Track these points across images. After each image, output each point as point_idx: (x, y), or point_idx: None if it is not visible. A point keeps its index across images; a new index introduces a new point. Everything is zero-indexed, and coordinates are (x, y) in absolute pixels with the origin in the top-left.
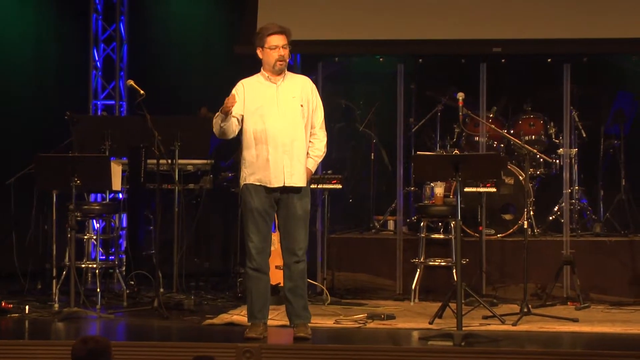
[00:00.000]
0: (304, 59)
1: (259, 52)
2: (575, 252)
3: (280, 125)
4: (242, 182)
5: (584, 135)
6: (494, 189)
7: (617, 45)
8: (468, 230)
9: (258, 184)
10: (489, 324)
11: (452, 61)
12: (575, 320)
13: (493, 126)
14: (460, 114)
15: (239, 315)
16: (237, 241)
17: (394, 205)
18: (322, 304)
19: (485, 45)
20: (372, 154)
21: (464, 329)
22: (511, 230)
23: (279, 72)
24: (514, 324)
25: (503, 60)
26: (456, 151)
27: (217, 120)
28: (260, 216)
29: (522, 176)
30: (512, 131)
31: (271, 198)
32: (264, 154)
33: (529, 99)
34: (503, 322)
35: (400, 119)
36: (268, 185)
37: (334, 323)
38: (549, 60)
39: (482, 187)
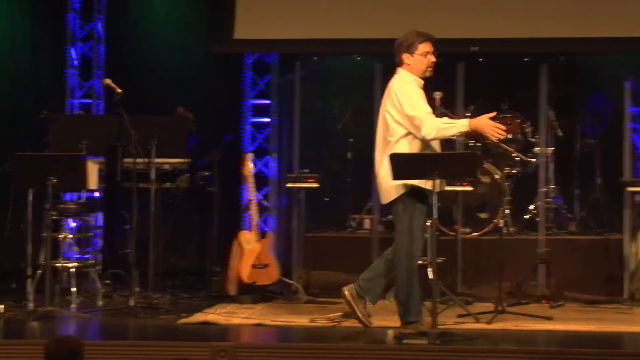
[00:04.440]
0: (282, 58)
1: (406, 57)
2: (550, 250)
3: None
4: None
5: (560, 134)
6: (470, 188)
7: (594, 44)
8: (444, 229)
9: (426, 187)
10: (464, 323)
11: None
12: (549, 319)
13: None
14: (438, 112)
15: (214, 314)
16: (214, 240)
17: (370, 203)
18: (298, 303)
19: (462, 45)
20: (349, 153)
21: (439, 327)
22: (487, 229)
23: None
24: (488, 323)
25: (481, 60)
26: None
27: (452, 130)
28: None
29: (498, 175)
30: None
31: None
32: None
33: (506, 98)
34: (478, 321)
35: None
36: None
37: (309, 322)
38: (526, 59)
39: (459, 185)
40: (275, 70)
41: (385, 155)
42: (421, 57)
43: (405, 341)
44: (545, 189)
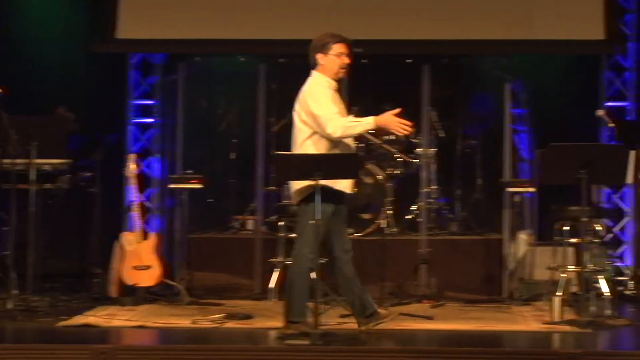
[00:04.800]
0: (165, 58)
1: (320, 57)
2: (431, 250)
3: None
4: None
5: (442, 135)
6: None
7: (475, 46)
8: None
9: (336, 189)
10: (346, 323)
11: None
12: (430, 318)
13: None
14: None
15: (95, 317)
16: (95, 242)
17: (254, 204)
18: (180, 304)
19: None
20: (232, 154)
21: (321, 327)
22: (369, 229)
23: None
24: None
25: (364, 61)
26: None
27: (358, 128)
28: (328, 219)
29: (380, 176)
30: (372, 131)
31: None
32: None
33: (389, 98)
34: None
35: (260, 119)
36: (345, 191)
37: (191, 323)
38: (409, 61)
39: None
40: (159, 71)
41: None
42: (335, 58)
43: (287, 342)
44: (427, 190)
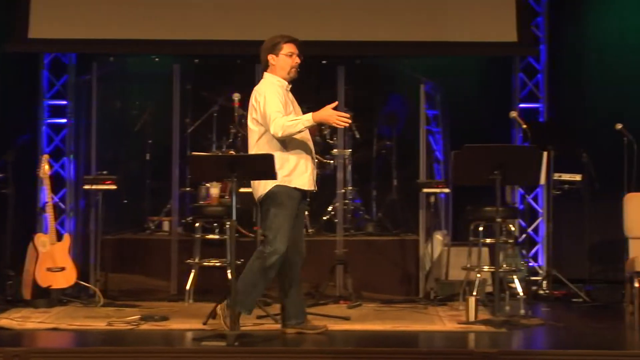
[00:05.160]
0: (80, 58)
1: (271, 58)
2: (348, 251)
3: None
4: (273, 184)
5: (358, 136)
6: None
7: (390, 48)
8: (243, 231)
9: (294, 187)
10: (263, 324)
11: (228, 62)
12: (347, 319)
13: None
14: (236, 114)
15: (8, 319)
16: (8, 243)
17: (170, 205)
18: (95, 306)
19: (260, 46)
20: (147, 155)
21: (238, 328)
22: None
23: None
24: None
25: None
26: (232, 152)
27: (298, 125)
28: (293, 215)
29: None
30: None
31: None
32: (302, 160)
33: (305, 99)
34: (277, 322)
35: (176, 120)
36: (304, 189)
37: (106, 325)
38: (323, 62)
39: None
40: (72, 71)
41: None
42: (286, 57)
43: (204, 343)
44: (343, 191)
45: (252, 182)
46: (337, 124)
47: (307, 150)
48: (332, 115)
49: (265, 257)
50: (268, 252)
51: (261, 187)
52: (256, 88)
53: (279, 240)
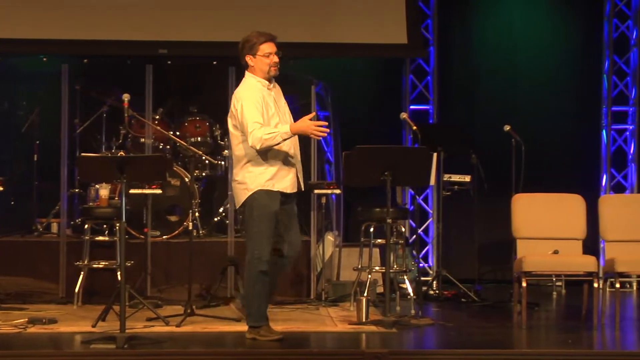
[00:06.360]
0: None
1: (249, 59)
2: (239, 252)
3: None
4: (255, 188)
5: None
6: (159, 191)
7: (282, 48)
8: (133, 232)
9: (276, 190)
10: (153, 326)
11: (118, 62)
12: (238, 320)
13: (159, 128)
14: (126, 115)
15: None
16: None
17: (58, 207)
18: None
19: (151, 47)
20: (35, 156)
21: (127, 331)
22: (176, 231)
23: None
24: (177, 325)
25: (169, 62)
26: (122, 153)
27: (276, 138)
28: (275, 220)
29: (187, 178)
30: (178, 133)
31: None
32: (284, 164)
33: (195, 100)
34: (167, 324)
35: (64, 120)
36: (286, 191)
37: None
38: (214, 62)
39: (148, 188)
40: None
41: (234, 160)
42: (263, 58)
43: (93, 346)
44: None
45: (233, 187)
46: (315, 135)
47: (289, 153)
48: (310, 125)
49: (252, 265)
50: (254, 260)
51: (242, 193)
52: (235, 91)
53: (260, 246)
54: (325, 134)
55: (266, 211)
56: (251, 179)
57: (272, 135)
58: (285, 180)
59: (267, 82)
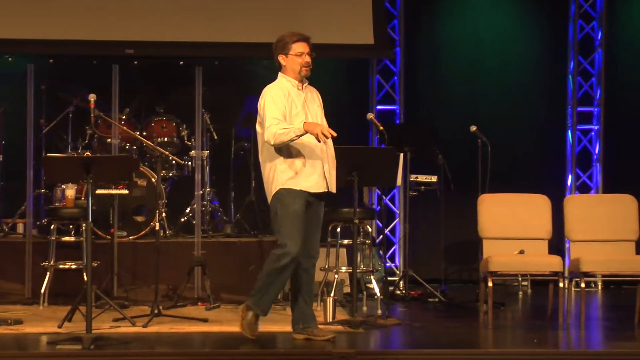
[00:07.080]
0: None
1: (282, 59)
2: (206, 253)
3: None
4: (278, 187)
5: (215, 137)
6: (126, 191)
7: (246, 49)
8: (100, 233)
9: (299, 189)
10: (120, 326)
11: (84, 62)
12: (205, 321)
13: (125, 128)
14: (92, 115)
15: None
16: None
17: (24, 207)
18: None
19: (117, 47)
20: (0, 156)
21: (94, 332)
22: (143, 232)
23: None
24: (144, 326)
25: (135, 62)
26: (88, 153)
27: (290, 134)
28: (300, 217)
29: (154, 178)
30: (144, 133)
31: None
32: (310, 162)
33: (162, 100)
34: (134, 324)
35: (30, 120)
36: (310, 191)
37: None
38: (181, 62)
39: (114, 189)
40: None
41: (261, 160)
42: (295, 57)
43: (59, 347)
44: (201, 192)
45: (264, 184)
46: (318, 136)
47: (315, 152)
48: (319, 126)
49: (276, 258)
50: (280, 254)
51: (269, 190)
52: (264, 90)
53: (289, 241)
54: (324, 141)
55: (289, 211)
56: (275, 177)
57: (285, 130)
58: (310, 179)
59: (297, 82)
